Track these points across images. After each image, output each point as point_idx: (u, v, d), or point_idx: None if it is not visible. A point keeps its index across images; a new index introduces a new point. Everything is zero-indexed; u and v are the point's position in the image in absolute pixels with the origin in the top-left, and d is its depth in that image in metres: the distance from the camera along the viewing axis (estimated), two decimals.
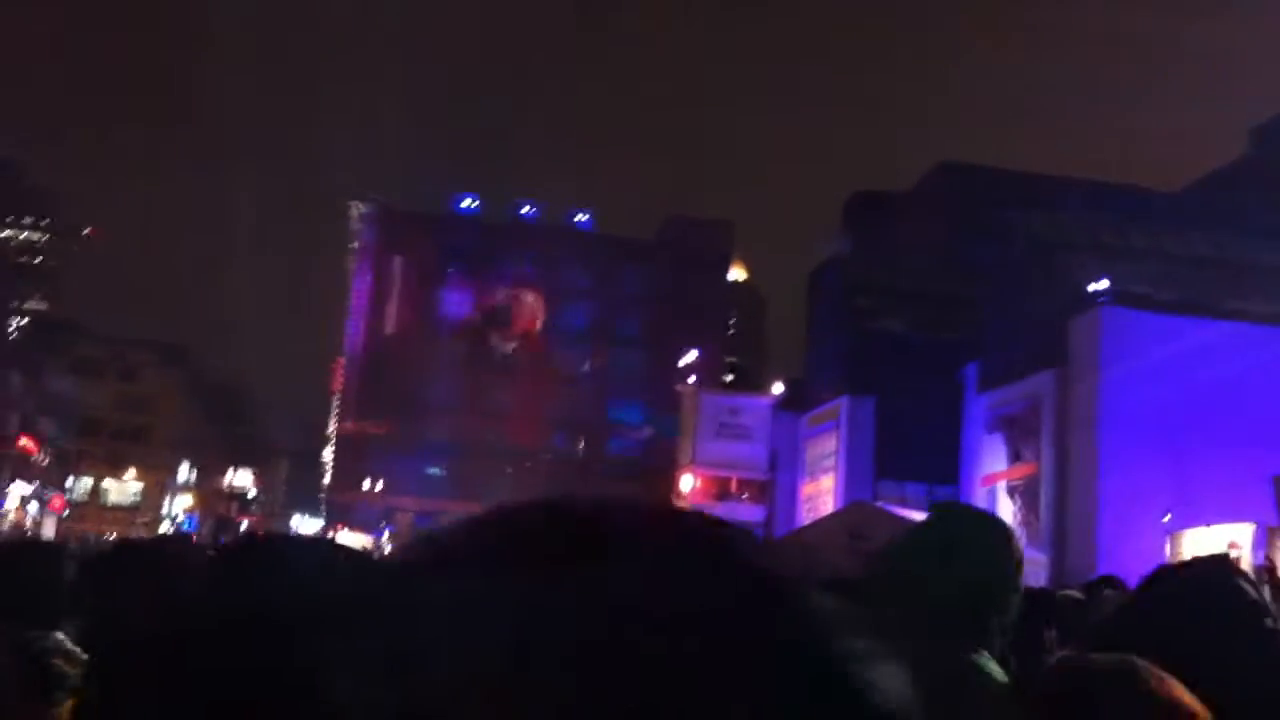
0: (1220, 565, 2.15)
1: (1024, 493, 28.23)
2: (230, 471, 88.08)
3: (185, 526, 65.58)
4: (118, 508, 75.28)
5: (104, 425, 75.59)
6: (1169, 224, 30.21)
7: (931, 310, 35.91)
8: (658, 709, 0.44)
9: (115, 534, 39.77)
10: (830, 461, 36.04)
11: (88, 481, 76.19)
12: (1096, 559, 21.53)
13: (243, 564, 1.05)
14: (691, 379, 46.59)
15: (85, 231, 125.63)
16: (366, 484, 70.89)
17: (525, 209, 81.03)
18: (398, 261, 77.88)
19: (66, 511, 64.81)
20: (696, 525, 0.51)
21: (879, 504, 25.97)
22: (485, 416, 72.95)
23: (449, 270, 77.51)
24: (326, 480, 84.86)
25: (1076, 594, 8.79)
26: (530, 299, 77.91)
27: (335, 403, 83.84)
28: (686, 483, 40.84)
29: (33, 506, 59.34)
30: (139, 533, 40.17)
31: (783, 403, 41.58)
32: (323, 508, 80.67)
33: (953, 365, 32.14)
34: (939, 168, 46.35)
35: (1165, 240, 29.08)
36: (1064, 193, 35.01)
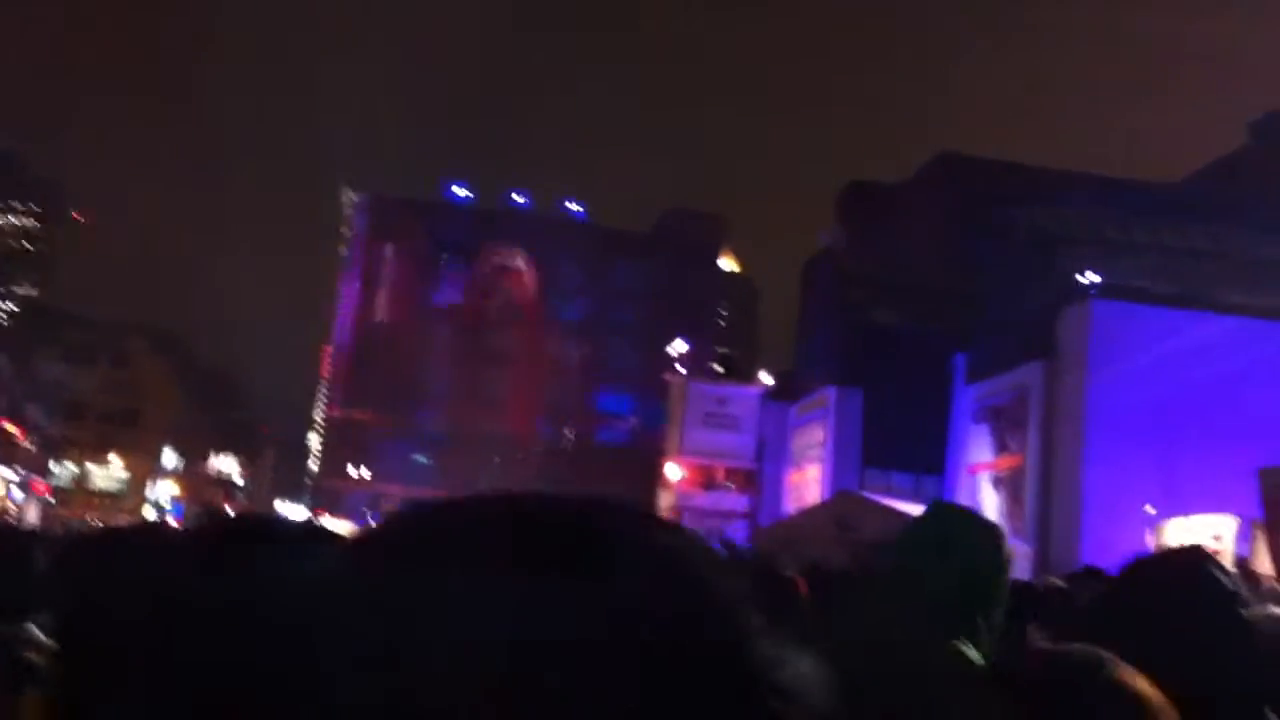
0: (1196, 555, 2.16)
1: (1009, 484, 28.32)
2: (216, 458, 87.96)
3: (171, 513, 65.49)
4: (104, 494, 75.10)
5: (92, 410, 75.39)
6: (1164, 217, 30.27)
7: (924, 302, 35.94)
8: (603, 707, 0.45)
9: (99, 520, 39.70)
10: (817, 451, 36.09)
11: (73, 467, 76.00)
12: (1080, 550, 21.61)
13: (223, 549, 1.04)
14: (681, 369, 46.60)
15: (74, 215, 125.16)
16: (354, 471, 70.84)
17: (518, 198, 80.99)
18: (389, 249, 77.80)
19: (52, 498, 64.70)
20: (640, 526, 0.52)
21: (865, 494, 26.04)
22: (474, 405, 72.94)
23: (441, 258, 77.47)
24: (314, 467, 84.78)
25: (1060, 582, 8.81)
26: (520, 262, 77.84)
27: (323, 390, 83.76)
28: (673, 472, 40.86)
29: (17, 493, 59.20)
30: (122, 519, 40.08)
31: (772, 393, 41.61)
32: (308, 495, 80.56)
33: (943, 357, 32.22)
34: (935, 159, 46.35)
35: (1159, 233, 29.15)
36: (1059, 185, 35.05)
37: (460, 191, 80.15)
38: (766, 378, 44.19)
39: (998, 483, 28.95)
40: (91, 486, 76.46)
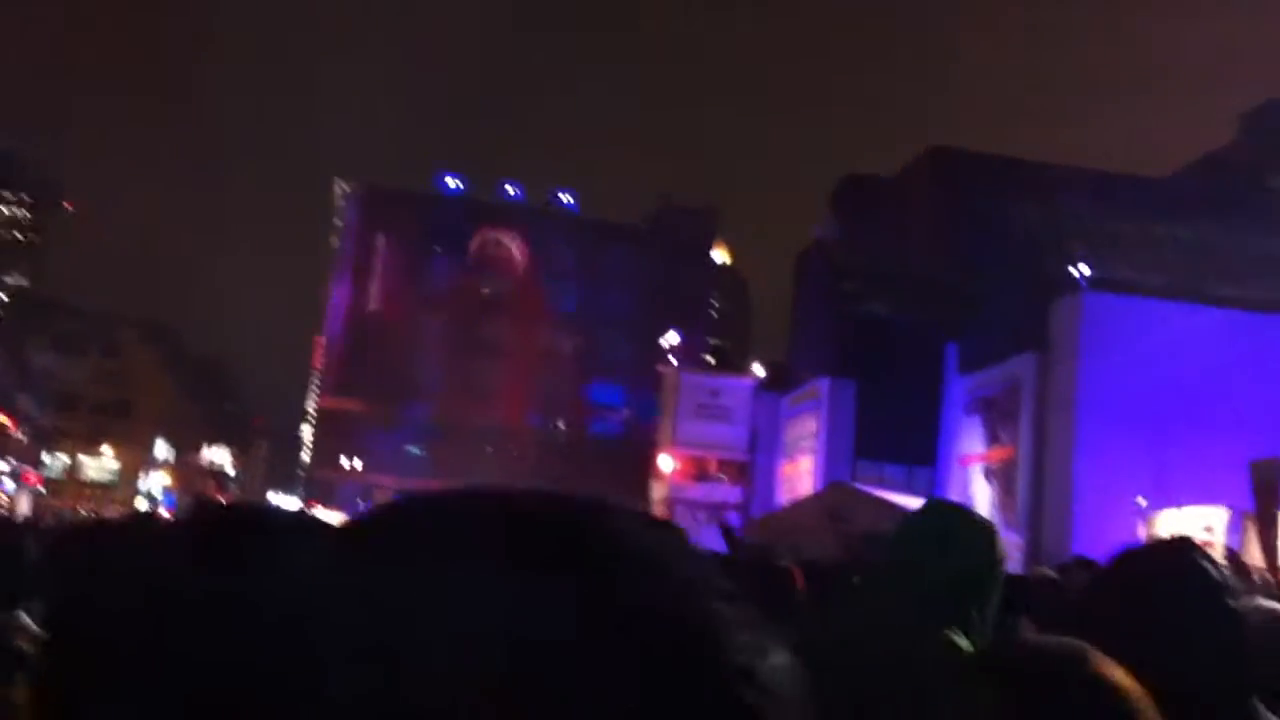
0: (1184, 546, 2.16)
1: (1001, 475, 28.38)
2: (209, 449, 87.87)
3: (163, 504, 65.41)
4: (96, 484, 75.01)
5: (84, 401, 75.26)
6: (1156, 210, 30.32)
7: (916, 293, 35.95)
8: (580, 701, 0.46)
9: (90, 511, 39.69)
10: (810, 442, 36.11)
11: (65, 458, 75.88)
12: (1071, 541, 21.68)
13: (213, 539, 1.03)
14: (673, 360, 46.62)
15: (65, 206, 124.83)
16: (346, 462, 70.77)
17: (510, 189, 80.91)
18: (381, 240, 77.68)
19: (43, 489, 64.57)
20: (622, 524, 0.53)
21: (857, 485, 26.06)
22: (466, 396, 72.89)
23: (433, 249, 77.39)
24: (306, 458, 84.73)
25: (1051, 573, 8.83)
26: (508, 239, 77.75)
27: (316, 380, 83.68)
28: (666, 463, 40.89)
29: (9, 484, 59.08)
30: (114, 510, 40.05)
31: (764, 384, 41.64)
32: (301, 486, 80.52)
33: (935, 348, 32.26)
34: (927, 153, 46.38)
35: (1151, 227, 29.19)
36: (1051, 178, 35.09)
37: (452, 183, 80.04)
38: (759, 369, 44.23)
39: (989, 474, 29.01)
40: (83, 477, 76.37)
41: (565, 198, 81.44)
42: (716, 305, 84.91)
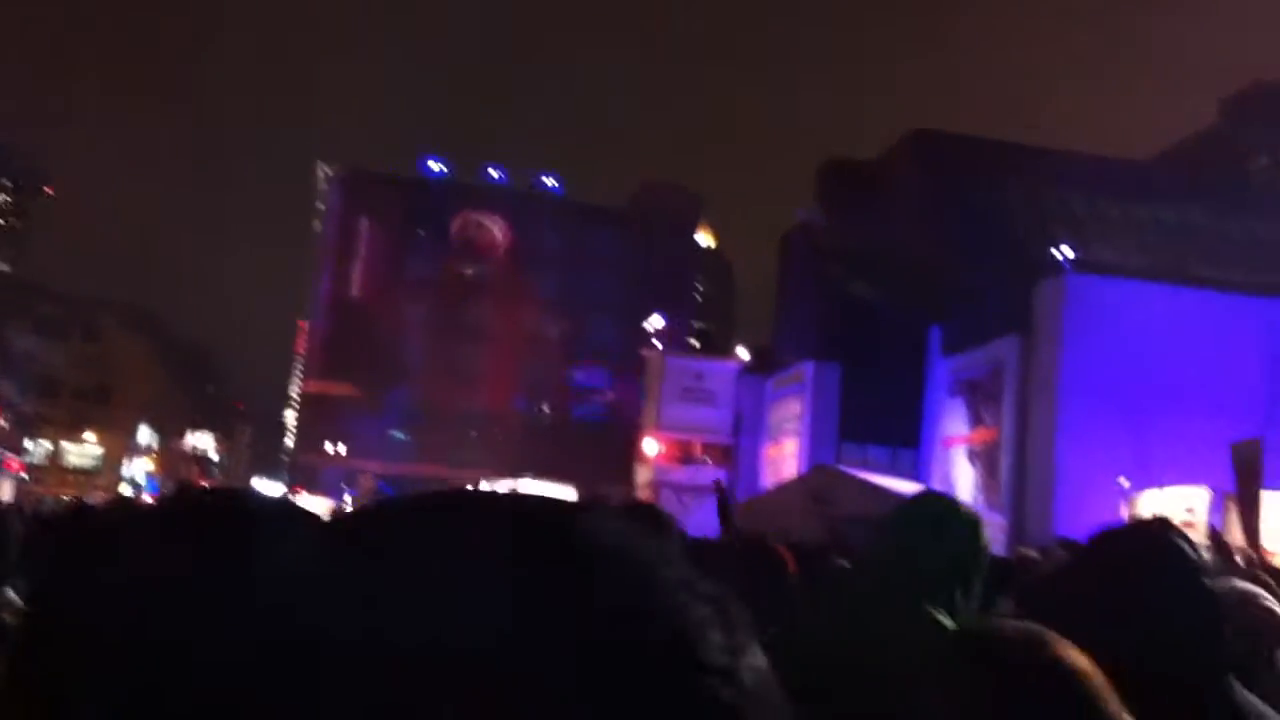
0: (1161, 527, 2.19)
1: (984, 456, 28.48)
2: (193, 435, 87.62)
3: (146, 489, 65.24)
4: (79, 471, 74.75)
5: (65, 386, 74.90)
6: (1138, 192, 30.41)
7: (900, 276, 35.99)
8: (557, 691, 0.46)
9: (74, 497, 39.50)
10: (794, 425, 36.17)
11: (47, 444, 75.56)
12: (1054, 522, 21.77)
13: (193, 524, 1.02)
14: (658, 344, 46.65)
15: (47, 190, 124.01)
16: (330, 447, 70.61)
17: (493, 173, 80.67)
18: (364, 223, 77.41)
19: (26, 475, 64.32)
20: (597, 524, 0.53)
21: (841, 468, 26.14)
22: (450, 380, 72.75)
23: (416, 233, 77.15)
24: (290, 444, 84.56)
25: (1033, 553, 8.88)
26: (489, 221, 77.57)
27: (299, 365, 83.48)
28: (650, 446, 40.93)
29: None
30: (98, 496, 39.91)
31: (749, 367, 41.69)
32: (285, 472, 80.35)
33: (919, 331, 32.32)
34: (910, 135, 46.34)
35: (1134, 209, 29.31)
36: (1034, 161, 35.13)
37: (435, 166, 79.75)
38: (743, 352, 44.29)
39: (973, 456, 29.11)
40: (66, 464, 76.07)
41: (549, 181, 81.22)
42: (701, 288, 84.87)
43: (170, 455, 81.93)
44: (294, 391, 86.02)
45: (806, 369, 35.73)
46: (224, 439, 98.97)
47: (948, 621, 2.67)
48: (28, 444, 71.36)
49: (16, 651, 1.01)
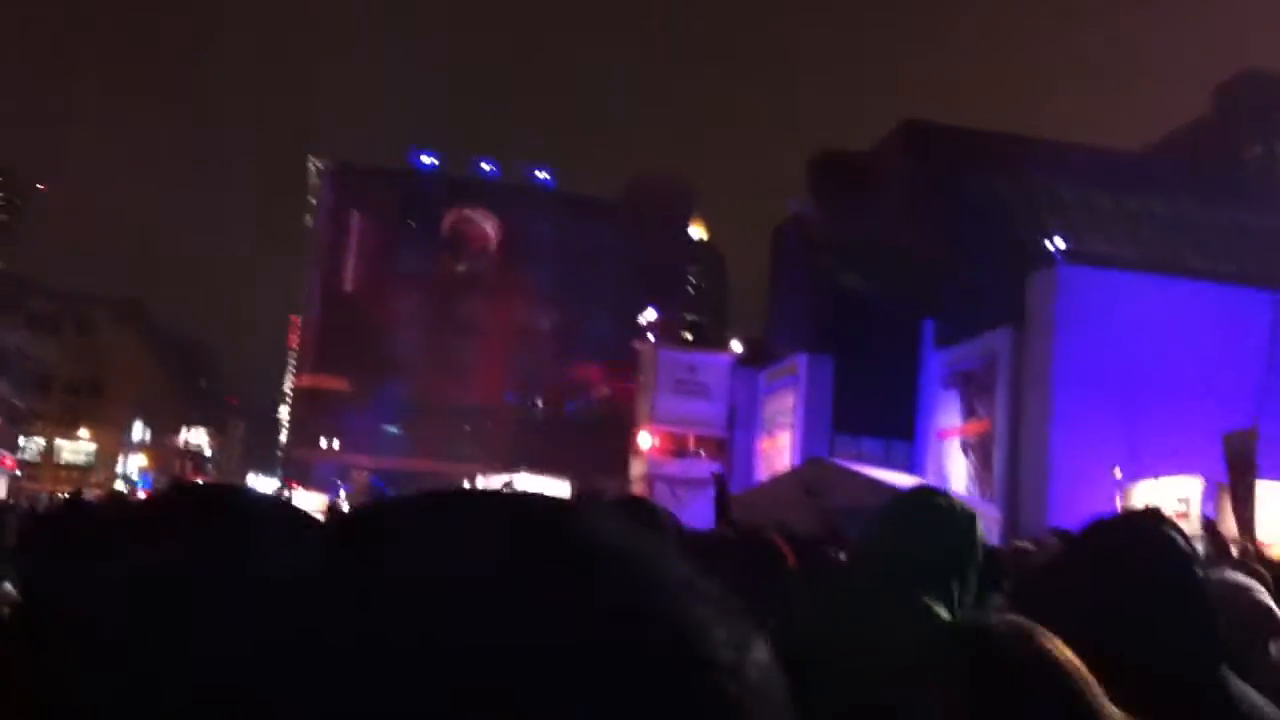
0: (1153, 518, 2.19)
1: (978, 448, 28.52)
2: (186, 431, 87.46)
3: (140, 485, 65.13)
4: (72, 467, 74.60)
5: (58, 382, 74.71)
6: (1130, 183, 30.43)
7: (893, 268, 36.00)
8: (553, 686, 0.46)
9: (66, 493, 39.41)
10: (788, 418, 36.18)
11: (41, 441, 75.40)
12: (1048, 513, 21.81)
13: (185, 520, 1.02)
14: (651, 336, 46.61)
15: (39, 187, 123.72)
16: (323, 442, 70.54)
17: (486, 166, 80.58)
18: (356, 217, 77.31)
19: (19, 472, 64.20)
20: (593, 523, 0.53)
21: (835, 460, 26.15)
22: (443, 374, 72.70)
23: (408, 226, 77.04)
24: (284, 439, 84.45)
25: (1027, 545, 8.90)
26: (478, 216, 77.49)
27: (292, 359, 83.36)
28: (644, 440, 40.92)
29: None
30: (92, 492, 39.78)
31: (742, 360, 41.66)
32: (279, 467, 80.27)
33: (912, 323, 32.34)
34: (902, 126, 46.33)
35: (1125, 199, 29.32)
36: (1026, 152, 35.13)
37: (427, 159, 79.64)
38: (736, 345, 44.24)
39: (966, 448, 29.16)
40: (60, 460, 75.93)
41: (542, 174, 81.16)
42: (694, 281, 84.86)
43: (164, 451, 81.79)
44: (287, 386, 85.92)
45: (800, 361, 35.74)
46: (217, 434, 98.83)
47: (945, 614, 2.71)
48: (21, 441, 71.21)
49: (9, 644, 1.01)
